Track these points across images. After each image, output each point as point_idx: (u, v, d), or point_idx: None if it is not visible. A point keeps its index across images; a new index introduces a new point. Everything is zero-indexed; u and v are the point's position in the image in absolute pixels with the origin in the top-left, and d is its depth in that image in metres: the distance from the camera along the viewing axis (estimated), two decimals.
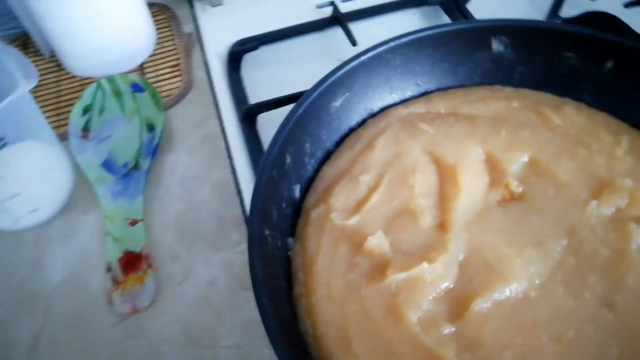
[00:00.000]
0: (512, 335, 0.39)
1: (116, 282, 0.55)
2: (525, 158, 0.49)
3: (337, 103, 0.52)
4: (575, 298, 0.41)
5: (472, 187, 0.48)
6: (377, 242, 0.43)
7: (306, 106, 0.48)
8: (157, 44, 0.78)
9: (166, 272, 0.57)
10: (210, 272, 0.56)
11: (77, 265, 0.58)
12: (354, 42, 0.69)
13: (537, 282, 0.42)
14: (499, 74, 0.56)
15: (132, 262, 0.57)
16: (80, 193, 0.64)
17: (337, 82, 0.50)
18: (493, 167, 0.50)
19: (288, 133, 0.46)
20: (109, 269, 0.56)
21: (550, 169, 0.48)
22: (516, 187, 0.48)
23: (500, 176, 0.49)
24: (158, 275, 0.57)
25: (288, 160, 0.47)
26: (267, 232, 0.42)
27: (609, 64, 0.52)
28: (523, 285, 0.42)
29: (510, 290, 0.41)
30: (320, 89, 0.49)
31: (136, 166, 0.64)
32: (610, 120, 0.52)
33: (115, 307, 0.54)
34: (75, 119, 0.67)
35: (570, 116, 0.52)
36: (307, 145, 0.50)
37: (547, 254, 0.43)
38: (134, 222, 0.59)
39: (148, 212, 0.61)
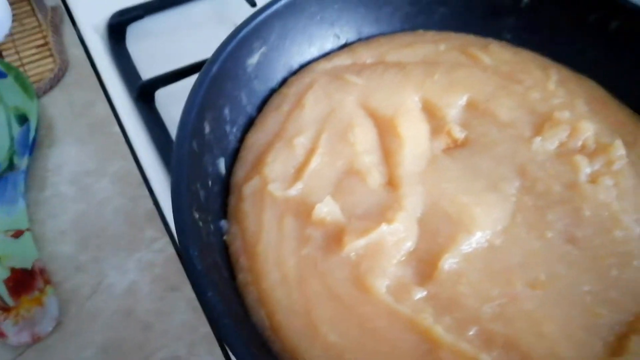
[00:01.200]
0: (487, 288, 0.36)
1: (5, 309, 0.44)
2: (462, 101, 0.46)
3: (253, 59, 0.45)
4: (539, 238, 0.39)
5: (414, 137, 0.44)
6: (327, 208, 0.37)
7: (220, 63, 0.40)
8: (14, 21, 0.65)
9: (70, 287, 0.47)
10: (126, 278, 0.47)
11: None
12: (253, 3, 0.62)
13: (499, 228, 0.39)
14: (419, 17, 0.52)
15: (22, 281, 0.46)
16: None
17: (251, 33, 0.43)
18: (432, 114, 0.46)
19: (204, 96, 0.39)
20: None
21: (490, 109, 0.46)
22: (459, 133, 0.45)
23: (441, 123, 0.45)
24: (61, 293, 0.46)
25: (207, 129, 0.40)
26: (196, 215, 0.35)
27: None
28: (487, 234, 0.39)
29: (475, 240, 0.38)
30: (234, 42, 0.41)
31: (11, 167, 0.52)
32: (534, 56, 0.51)
33: (9, 340, 0.43)
34: None
35: (497, 54, 0.50)
36: (227, 111, 0.43)
37: (504, 197, 0.41)
38: (18, 234, 0.48)
39: (36, 220, 0.50)
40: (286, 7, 0.45)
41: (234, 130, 0.44)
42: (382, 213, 0.38)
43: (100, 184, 0.53)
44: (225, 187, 0.41)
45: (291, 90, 0.47)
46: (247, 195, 0.40)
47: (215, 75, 0.40)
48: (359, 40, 0.51)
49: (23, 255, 0.47)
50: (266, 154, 0.42)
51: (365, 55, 0.50)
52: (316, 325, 0.34)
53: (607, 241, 0.39)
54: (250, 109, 0.45)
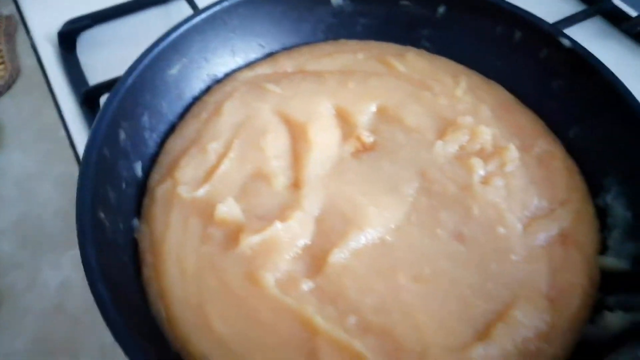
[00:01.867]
0: (371, 282, 0.39)
1: None
2: (373, 108, 0.49)
3: (173, 71, 0.48)
4: (429, 236, 0.42)
5: (324, 142, 0.47)
6: (227, 209, 0.41)
7: (136, 76, 0.44)
8: None
9: (7, 283, 0.50)
10: (60, 274, 0.50)
11: None
12: (194, 6, 0.65)
13: (392, 226, 0.42)
14: (342, 28, 0.55)
15: None
16: None
17: (169, 48, 0.46)
18: (344, 120, 0.49)
19: (117, 106, 0.42)
20: None
21: (398, 115, 0.49)
22: (367, 138, 0.48)
23: (351, 129, 0.48)
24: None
25: (122, 136, 0.43)
26: (102, 215, 0.38)
27: (442, 9, 0.54)
28: (379, 231, 0.42)
29: (366, 237, 0.41)
30: (149, 57, 0.45)
31: None
32: (448, 64, 0.54)
33: None
34: None
35: (412, 62, 0.53)
36: (145, 119, 0.46)
37: (400, 198, 0.44)
38: None
39: None
40: (205, 21, 0.48)
41: (154, 136, 0.47)
42: (281, 212, 0.41)
43: (43, 187, 0.56)
44: (142, 189, 0.44)
45: (212, 98, 0.50)
46: (158, 197, 0.43)
47: (131, 87, 0.43)
48: (283, 49, 0.54)
49: None
50: (181, 159, 0.45)
51: (287, 64, 0.53)
52: (207, 317, 0.37)
53: (491, 238, 0.42)
54: (171, 116, 0.48)
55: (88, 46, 0.66)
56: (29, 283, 0.50)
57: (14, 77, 0.64)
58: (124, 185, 0.42)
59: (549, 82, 0.50)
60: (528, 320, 0.38)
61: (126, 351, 0.32)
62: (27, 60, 0.66)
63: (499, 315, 0.38)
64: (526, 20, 0.50)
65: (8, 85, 0.63)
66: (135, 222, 0.42)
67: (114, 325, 0.32)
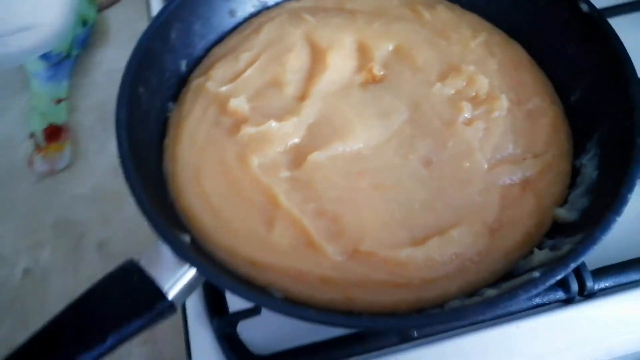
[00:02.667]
0: (337, 180, 0.46)
1: (38, 148, 0.63)
2: (390, 47, 0.55)
3: None
4: (402, 158, 0.48)
5: (338, 67, 0.54)
6: (238, 103, 0.50)
7: None
8: None
9: (85, 145, 0.65)
10: None
11: (6, 136, 0.66)
12: None
13: (372, 144, 0.48)
14: None
15: (54, 133, 0.64)
16: (15, 77, 0.71)
17: None
18: (362, 53, 0.55)
19: (173, 10, 0.52)
20: (31, 137, 0.64)
21: (410, 56, 0.54)
22: (378, 71, 0.54)
23: (366, 62, 0.54)
24: (77, 148, 0.64)
25: (173, 35, 0.53)
26: (141, 90, 0.49)
27: None
28: (359, 145, 0.48)
29: (345, 147, 0.48)
30: None
31: (67, 56, 0.71)
32: (475, 20, 0.57)
33: (36, 168, 0.62)
34: None
35: (440, 13, 0.57)
36: (197, 27, 0.56)
37: (387, 124, 0.50)
38: (58, 101, 0.67)
39: (75, 97, 0.69)
40: None
41: (203, 42, 0.57)
42: (280, 115, 0.50)
43: None
44: (183, 82, 0.55)
45: (258, 20, 0.58)
46: (192, 87, 0.53)
47: None
48: None
49: (58, 115, 0.65)
50: (217, 62, 0.54)
51: (329, 1, 0.60)
52: (199, 176, 0.46)
53: (455, 169, 0.47)
54: (221, 30, 0.58)
55: None
56: (99, 149, 0.64)
57: None
58: (167, 75, 0.53)
59: (564, 46, 0.52)
60: (463, 241, 0.43)
61: (132, 190, 0.42)
62: None
63: (438, 230, 0.44)
64: None
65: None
66: (171, 105, 0.53)
67: (127, 166, 0.42)
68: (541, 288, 0.36)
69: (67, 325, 0.37)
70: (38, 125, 0.64)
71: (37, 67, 0.69)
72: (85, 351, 0.36)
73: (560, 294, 0.49)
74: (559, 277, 0.36)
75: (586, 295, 0.50)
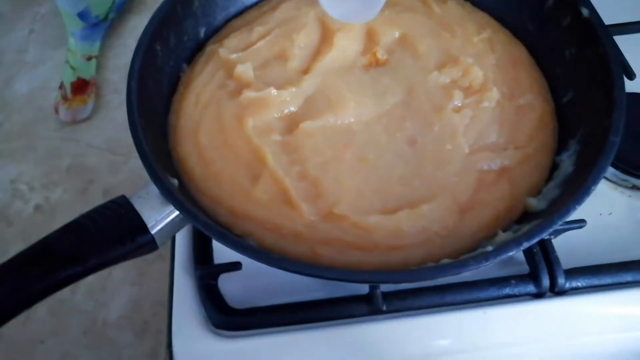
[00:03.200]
0: (324, 149, 0.49)
1: (65, 98, 0.68)
2: (397, 34, 0.57)
3: None
4: (389, 135, 0.50)
5: (344, 48, 0.56)
6: (244, 69, 0.53)
7: None
8: None
9: (107, 99, 0.69)
10: None
11: (40, 84, 0.72)
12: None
13: (363, 119, 0.51)
14: None
15: (81, 86, 0.69)
16: (56, 33, 0.76)
17: None
18: (369, 38, 0.58)
19: None
20: (60, 87, 0.69)
21: (414, 44, 0.56)
22: (382, 55, 0.56)
23: (372, 46, 0.57)
24: (100, 101, 0.69)
25: (196, 3, 0.57)
26: (158, 47, 0.53)
27: None
28: (350, 120, 0.51)
29: (337, 119, 0.51)
30: None
31: (105, 19, 0.76)
32: (485, 18, 0.59)
33: (60, 116, 0.67)
34: None
35: (450, 8, 0.59)
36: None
37: (381, 104, 0.52)
38: (89, 58, 0.72)
39: (106, 56, 0.74)
40: None
41: (223, 14, 0.61)
42: (282, 84, 0.53)
43: None
44: (199, 47, 0.59)
45: None
46: (206, 52, 0.57)
47: None
48: None
49: (87, 71, 0.71)
50: (233, 32, 0.58)
51: None
52: (198, 130, 0.50)
53: (437, 149, 0.49)
54: (240, 5, 0.62)
55: None
56: (119, 105, 0.68)
57: None
58: (185, 38, 0.57)
59: (564, 49, 0.53)
60: (432, 216, 0.45)
61: (132, 130, 0.46)
62: None
63: (410, 203, 0.46)
64: None
65: None
66: (184, 66, 0.57)
67: (131, 109, 0.47)
68: (492, 261, 0.38)
69: (56, 243, 0.41)
70: (68, 78, 0.69)
71: (76, 26, 0.75)
72: (67, 266, 0.39)
73: (531, 288, 0.51)
74: (510, 253, 0.38)
75: (557, 292, 0.51)
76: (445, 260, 0.40)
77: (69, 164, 0.64)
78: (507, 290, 0.51)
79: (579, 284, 0.51)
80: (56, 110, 0.67)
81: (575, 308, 0.51)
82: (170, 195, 0.42)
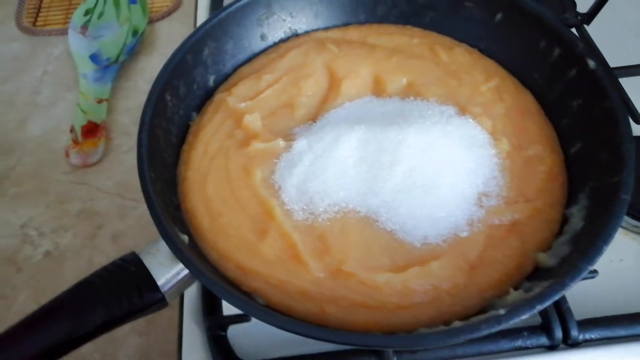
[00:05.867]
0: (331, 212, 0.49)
1: (76, 142, 0.69)
2: (404, 81, 0.58)
3: (262, 17, 0.62)
4: None
5: (352, 96, 0.57)
6: (252, 119, 0.53)
7: (228, 12, 0.59)
8: None
9: (117, 142, 0.70)
10: None
11: (52, 126, 0.72)
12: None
13: None
14: (412, 16, 0.64)
15: (91, 130, 0.70)
16: (69, 74, 0.78)
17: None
18: (377, 84, 0.58)
19: (208, 29, 0.57)
20: (71, 131, 0.70)
21: (421, 92, 0.56)
22: None
23: (380, 92, 0.58)
24: (110, 144, 0.70)
25: (206, 51, 0.58)
26: (168, 97, 0.53)
27: (499, 16, 0.59)
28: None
29: None
30: (243, 1, 0.59)
31: (115, 61, 0.77)
32: (492, 65, 0.59)
33: (71, 160, 0.68)
34: (78, 17, 0.81)
35: (457, 56, 0.60)
36: (229, 47, 0.60)
37: None
38: (100, 101, 0.73)
39: (116, 98, 0.75)
40: None
41: (232, 61, 0.61)
42: (288, 134, 0.53)
43: None
44: (208, 95, 0.60)
45: (286, 45, 0.63)
46: (215, 101, 0.57)
47: (223, 19, 0.58)
48: (358, 22, 0.65)
49: (98, 114, 0.71)
50: (241, 80, 0.59)
51: (354, 34, 0.63)
52: (206, 182, 0.50)
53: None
54: (250, 51, 0.62)
55: None
56: (129, 148, 0.69)
57: (176, 7, 0.84)
58: (195, 87, 0.58)
59: (571, 100, 0.53)
60: (442, 274, 0.45)
61: (143, 186, 0.46)
62: None
63: (419, 260, 0.46)
64: (565, 38, 0.54)
65: (170, 12, 0.84)
66: (194, 114, 0.58)
67: (142, 163, 0.47)
68: (504, 325, 0.37)
69: (66, 301, 0.41)
70: (79, 121, 0.70)
71: (87, 69, 0.76)
72: (75, 324, 0.39)
73: (543, 340, 0.50)
74: (522, 317, 0.38)
75: (570, 344, 0.50)
76: (457, 323, 0.40)
77: (79, 209, 0.64)
78: (519, 343, 0.50)
79: (593, 336, 0.51)
80: (67, 154, 0.68)
81: None
82: (181, 254, 0.42)
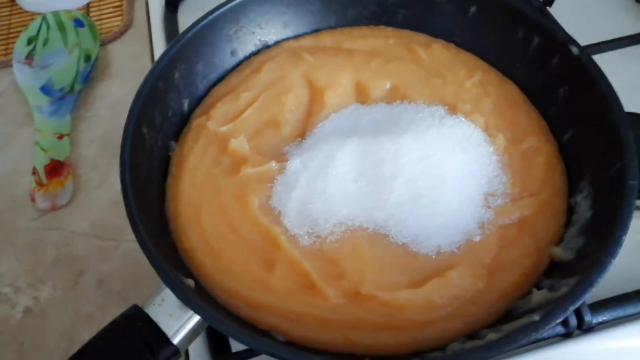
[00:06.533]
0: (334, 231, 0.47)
1: (40, 184, 0.64)
2: (387, 85, 0.56)
3: (230, 32, 0.58)
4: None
5: (336, 106, 0.55)
6: (238, 143, 0.50)
7: (196, 31, 0.55)
8: None
9: (86, 178, 0.65)
10: None
11: (9, 169, 0.66)
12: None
13: None
14: (384, 16, 0.62)
15: (55, 169, 0.65)
16: (20, 110, 0.72)
17: (228, 12, 0.57)
18: (360, 91, 0.56)
19: (177, 51, 0.54)
20: (34, 172, 0.64)
21: (407, 94, 0.55)
22: None
23: (364, 99, 0.56)
24: (78, 181, 0.65)
25: (177, 75, 0.54)
26: (144, 130, 0.50)
27: (473, 9, 0.58)
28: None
29: None
30: (210, 17, 0.56)
31: (70, 90, 0.72)
32: (471, 59, 0.59)
33: (37, 204, 0.62)
34: (20, 47, 0.75)
35: (436, 53, 0.59)
36: (200, 67, 0.57)
37: None
38: (61, 136, 0.67)
39: (77, 130, 0.69)
40: None
41: (205, 81, 0.58)
42: (279, 154, 0.51)
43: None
44: (185, 121, 0.56)
45: (258, 58, 0.60)
46: (193, 126, 0.54)
47: (191, 38, 0.55)
48: (329, 27, 0.63)
49: (60, 151, 0.66)
50: (218, 101, 0.55)
51: (327, 40, 0.61)
52: (200, 217, 0.47)
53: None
54: (222, 69, 0.59)
55: (188, 11, 0.80)
56: (101, 182, 0.64)
57: (127, 27, 0.79)
58: (170, 114, 0.54)
59: (556, 87, 0.53)
60: (461, 283, 0.43)
61: (137, 235, 0.42)
62: (138, 14, 0.81)
63: (438, 271, 0.44)
64: (543, 27, 0.53)
65: (121, 33, 0.78)
66: (173, 144, 0.54)
67: (129, 207, 0.43)
68: (541, 332, 0.37)
69: None
70: (40, 161, 0.65)
71: (40, 102, 0.70)
72: None
73: (559, 329, 0.50)
74: (558, 321, 0.37)
75: (585, 329, 0.50)
76: (492, 336, 0.39)
77: (54, 257, 0.59)
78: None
79: (605, 318, 0.51)
80: (32, 199, 0.62)
81: (606, 343, 0.50)
82: (189, 301, 0.39)
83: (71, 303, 0.56)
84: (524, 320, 0.39)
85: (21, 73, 0.73)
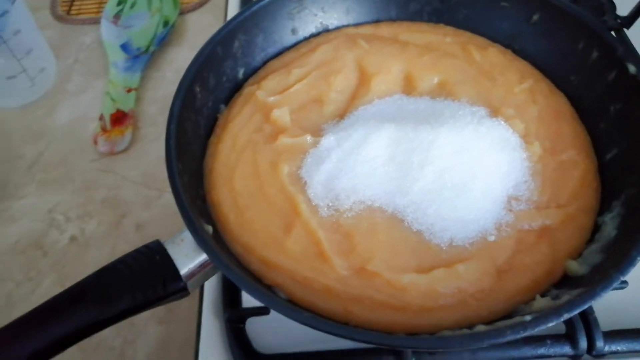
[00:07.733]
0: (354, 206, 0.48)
1: (104, 130, 0.70)
2: (436, 80, 0.57)
3: (294, 11, 0.61)
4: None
5: (381, 93, 0.56)
6: (280, 114, 0.53)
7: (260, 6, 0.58)
8: None
9: (144, 132, 0.71)
10: None
11: (80, 114, 0.73)
12: None
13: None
14: (445, 14, 0.63)
15: (119, 118, 0.71)
16: (99, 63, 0.78)
17: None
18: (407, 82, 0.57)
19: (239, 22, 0.57)
20: (100, 119, 0.70)
21: (453, 90, 0.55)
22: None
23: (411, 90, 0.57)
24: (136, 133, 0.70)
25: (236, 44, 0.58)
26: (197, 89, 0.53)
27: (536, 17, 0.58)
28: None
29: None
30: None
31: (145, 51, 0.78)
32: (526, 67, 0.58)
33: (98, 147, 0.68)
34: (111, 7, 0.82)
35: (490, 56, 0.58)
36: (259, 40, 0.60)
37: None
38: (129, 90, 0.73)
39: (144, 87, 0.75)
40: None
41: (262, 54, 0.61)
42: (317, 130, 0.53)
43: None
44: (237, 88, 0.59)
45: (316, 40, 0.62)
46: (243, 93, 0.57)
47: (254, 12, 0.58)
48: (389, 19, 0.64)
49: (127, 103, 0.72)
50: (271, 74, 0.58)
51: (385, 31, 0.62)
52: (233, 176, 0.50)
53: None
54: (281, 45, 0.62)
55: None
56: (156, 137, 0.69)
57: (206, 0, 0.84)
58: (224, 79, 0.57)
59: (608, 104, 0.52)
60: (468, 277, 0.44)
61: (171, 177, 0.46)
62: None
63: (446, 262, 0.45)
64: (605, 42, 0.52)
65: (200, 4, 0.84)
66: (222, 107, 0.57)
67: (170, 156, 0.47)
68: (529, 332, 0.36)
69: (90, 286, 0.42)
70: (107, 110, 0.71)
71: (118, 58, 0.77)
72: (99, 309, 0.40)
73: (567, 349, 0.49)
74: (549, 324, 0.37)
75: (595, 355, 0.49)
76: (481, 328, 0.39)
77: (104, 196, 0.65)
78: (541, 350, 0.50)
79: (619, 348, 0.49)
80: (95, 142, 0.69)
81: None
82: (206, 245, 0.42)
83: (111, 240, 0.61)
84: (516, 319, 0.38)
85: (107, 30, 0.80)
